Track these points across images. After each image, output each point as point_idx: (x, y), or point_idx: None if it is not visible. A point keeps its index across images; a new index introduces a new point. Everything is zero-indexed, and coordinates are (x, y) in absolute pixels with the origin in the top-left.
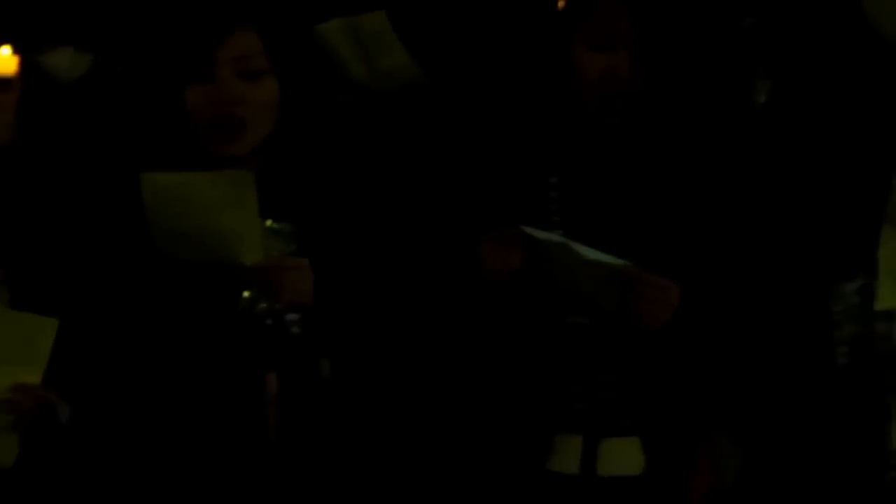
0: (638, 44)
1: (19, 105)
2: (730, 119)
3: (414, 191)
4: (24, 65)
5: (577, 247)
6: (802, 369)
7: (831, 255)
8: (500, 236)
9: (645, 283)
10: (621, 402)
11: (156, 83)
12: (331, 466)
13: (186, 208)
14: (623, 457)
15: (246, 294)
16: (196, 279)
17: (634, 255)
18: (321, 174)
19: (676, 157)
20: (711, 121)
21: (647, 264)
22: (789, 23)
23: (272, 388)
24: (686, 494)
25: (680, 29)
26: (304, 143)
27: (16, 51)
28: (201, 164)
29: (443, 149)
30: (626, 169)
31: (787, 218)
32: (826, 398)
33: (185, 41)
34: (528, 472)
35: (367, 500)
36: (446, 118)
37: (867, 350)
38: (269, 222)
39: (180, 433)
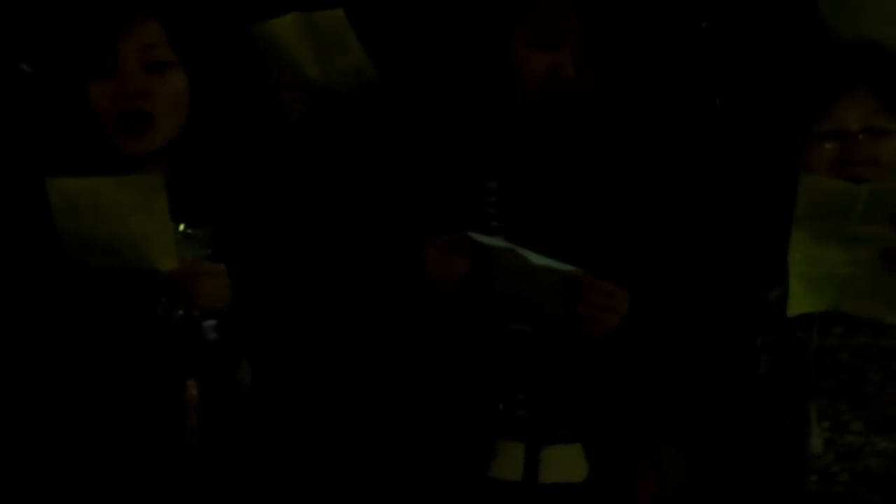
0: (583, 43)
1: None
2: (673, 123)
3: (344, 192)
4: None
5: (525, 252)
6: (727, 376)
7: (756, 263)
8: (444, 242)
9: (594, 289)
10: (563, 410)
11: (57, 79)
12: (253, 474)
13: (95, 214)
14: (565, 464)
15: (160, 301)
16: (109, 286)
17: (577, 259)
18: (236, 174)
19: (617, 160)
20: (653, 124)
21: (590, 269)
22: (743, 27)
23: (192, 395)
24: (630, 502)
25: (627, 28)
26: (217, 140)
27: None
28: (109, 163)
29: (377, 149)
30: (568, 172)
31: (715, 225)
32: (749, 405)
33: (85, 33)
34: (470, 478)
35: None
36: (381, 117)
37: (788, 357)
38: (182, 226)
39: (99, 443)
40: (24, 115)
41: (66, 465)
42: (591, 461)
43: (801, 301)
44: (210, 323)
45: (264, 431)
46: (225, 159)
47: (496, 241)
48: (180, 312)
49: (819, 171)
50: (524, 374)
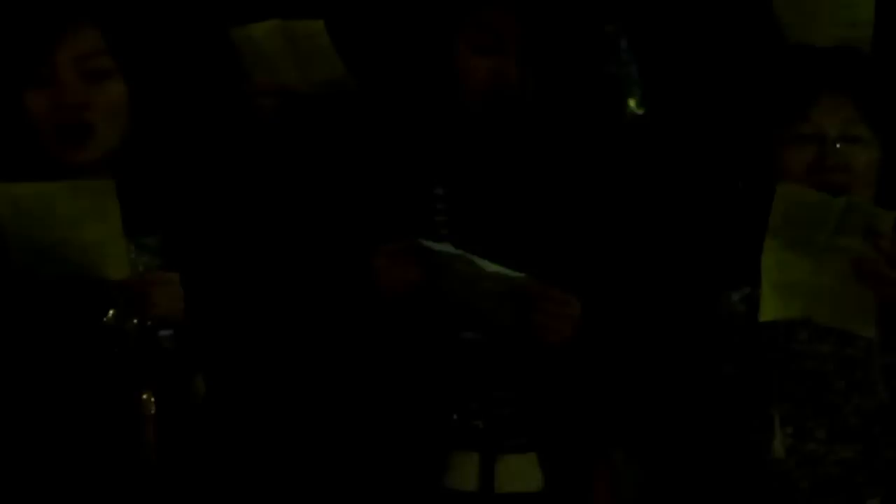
0: (525, 47)
1: None
2: (614, 127)
3: (292, 199)
4: None
5: (477, 259)
6: (690, 379)
7: (718, 265)
8: (393, 248)
9: (544, 297)
10: (518, 419)
11: None
12: (211, 485)
13: (44, 221)
14: (520, 473)
15: (111, 311)
16: (58, 296)
17: (528, 266)
18: (185, 182)
19: (563, 164)
20: (596, 128)
21: (541, 276)
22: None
23: (149, 407)
24: None
25: (568, 32)
26: (161, 148)
27: None
28: (47, 173)
29: (324, 156)
30: (516, 177)
31: (674, 227)
32: (711, 409)
33: (20, 41)
34: (425, 489)
35: None
36: (327, 124)
37: (752, 359)
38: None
39: (54, 458)
40: None
41: (22, 480)
42: (546, 470)
43: (772, 308)
44: (165, 333)
45: (220, 442)
46: (171, 167)
47: (445, 248)
48: (134, 322)
49: (794, 174)
50: (478, 383)
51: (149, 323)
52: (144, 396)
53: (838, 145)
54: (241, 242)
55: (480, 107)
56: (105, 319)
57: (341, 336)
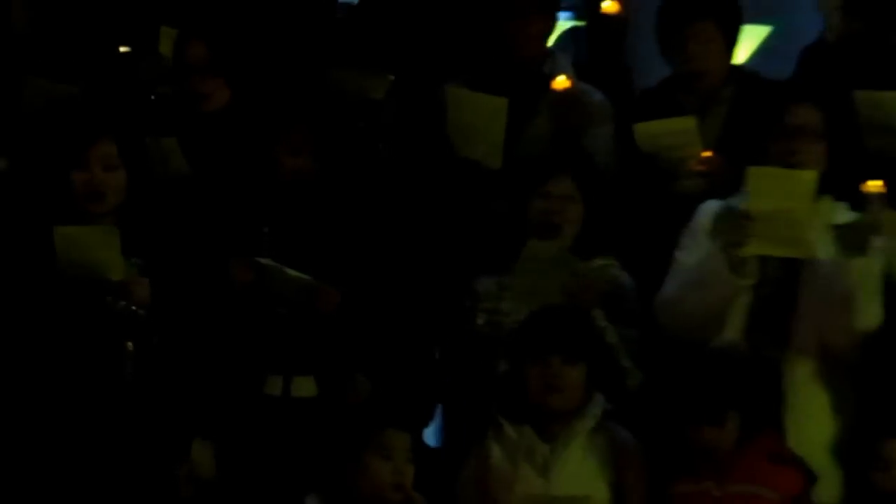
0: (318, 150)
1: None
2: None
3: (197, 243)
4: None
5: (284, 268)
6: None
7: (468, 257)
8: (240, 261)
9: (322, 290)
10: (306, 356)
11: (54, 170)
12: (165, 403)
13: (78, 246)
14: (305, 387)
15: (112, 297)
16: (84, 287)
17: (317, 272)
18: (153, 229)
19: (340, 214)
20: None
21: (324, 278)
22: None
23: (129, 349)
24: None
25: (340, 137)
26: (141, 210)
27: None
28: (80, 221)
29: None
30: (311, 221)
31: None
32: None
33: (72, 144)
34: (254, 396)
35: None
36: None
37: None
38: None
39: (64, 381)
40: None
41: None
42: (320, 386)
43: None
44: (140, 311)
45: (170, 373)
46: (145, 220)
47: (268, 262)
48: (122, 303)
49: None
50: (284, 337)
51: (133, 305)
52: (128, 344)
53: None
54: (176, 262)
55: (290, 184)
56: (108, 301)
57: (216, 304)
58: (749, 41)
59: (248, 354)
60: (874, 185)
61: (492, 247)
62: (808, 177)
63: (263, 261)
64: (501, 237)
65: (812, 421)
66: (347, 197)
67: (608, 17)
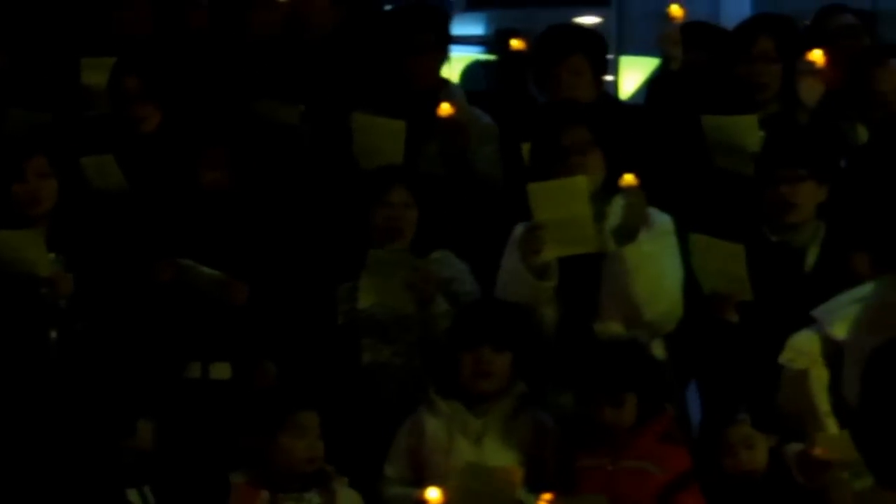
0: (234, 170)
1: None
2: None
3: (121, 243)
4: None
5: (200, 266)
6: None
7: (330, 264)
8: (163, 261)
9: (231, 283)
10: (222, 340)
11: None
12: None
13: (11, 247)
14: (222, 371)
15: (42, 289)
16: (18, 282)
17: (229, 271)
18: (73, 231)
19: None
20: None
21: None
22: None
23: (52, 337)
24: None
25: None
26: (73, 213)
27: None
28: (18, 225)
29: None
30: (227, 223)
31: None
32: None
33: (9, 160)
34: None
35: None
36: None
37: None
38: (52, 255)
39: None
40: None
41: None
42: (234, 369)
43: (366, 296)
44: (63, 301)
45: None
46: (68, 223)
47: (187, 262)
48: (45, 290)
49: None
50: (198, 319)
51: (57, 295)
52: (52, 332)
53: None
54: (101, 260)
55: (208, 194)
56: (43, 292)
57: (140, 299)
58: (639, 73)
59: (171, 342)
60: (628, 179)
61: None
62: (579, 183)
63: (184, 262)
64: (351, 245)
65: None
66: (257, 206)
67: (515, 53)
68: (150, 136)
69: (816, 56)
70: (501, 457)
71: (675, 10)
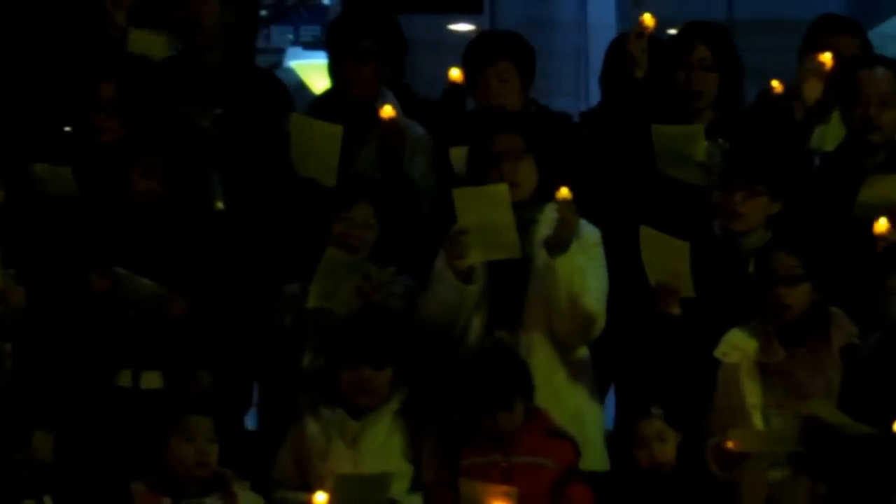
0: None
1: None
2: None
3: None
4: None
5: (139, 278)
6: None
7: (278, 264)
8: (99, 270)
9: (170, 298)
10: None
11: None
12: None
13: None
14: (154, 380)
15: None
16: None
17: (167, 283)
18: (22, 246)
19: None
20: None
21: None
22: None
23: (6, 350)
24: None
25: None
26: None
27: None
28: None
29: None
30: (162, 233)
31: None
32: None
33: None
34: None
35: None
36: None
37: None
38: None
39: None
40: None
41: None
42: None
43: (315, 298)
44: (17, 311)
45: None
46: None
47: (124, 272)
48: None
49: None
50: (130, 327)
51: (10, 310)
52: (6, 345)
53: None
54: (44, 270)
55: (142, 203)
56: None
57: (74, 307)
58: None
59: (102, 351)
60: (563, 193)
61: (297, 255)
62: (501, 189)
63: (119, 270)
64: (305, 247)
65: (556, 398)
66: (191, 215)
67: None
68: (108, 146)
69: (826, 58)
70: (378, 458)
71: (648, 20)
